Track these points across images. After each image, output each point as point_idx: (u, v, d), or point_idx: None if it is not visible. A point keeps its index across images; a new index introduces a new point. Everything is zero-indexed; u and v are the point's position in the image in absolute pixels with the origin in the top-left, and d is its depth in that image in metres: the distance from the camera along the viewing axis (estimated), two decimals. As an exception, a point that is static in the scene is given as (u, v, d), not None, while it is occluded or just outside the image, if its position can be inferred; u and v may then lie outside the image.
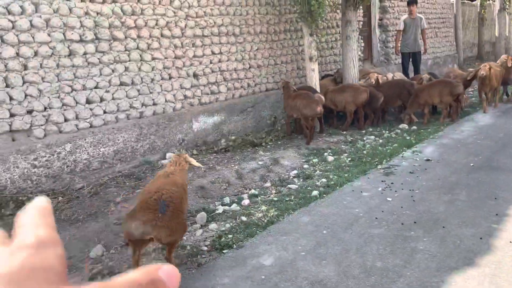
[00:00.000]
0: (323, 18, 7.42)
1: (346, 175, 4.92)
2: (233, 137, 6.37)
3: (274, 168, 5.43)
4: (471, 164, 4.80)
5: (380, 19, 11.40)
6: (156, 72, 6.02)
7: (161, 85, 6.09)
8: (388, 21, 11.34)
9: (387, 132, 6.88)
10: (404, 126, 7.06)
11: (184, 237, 3.52)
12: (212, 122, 6.72)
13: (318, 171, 5.22)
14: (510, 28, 16.27)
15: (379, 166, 5.06)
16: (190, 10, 6.43)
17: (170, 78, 6.21)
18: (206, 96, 6.72)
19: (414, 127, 6.96)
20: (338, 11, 9.16)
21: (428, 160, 5.11)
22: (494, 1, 20.19)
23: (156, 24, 6.02)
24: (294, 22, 8.25)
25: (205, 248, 3.49)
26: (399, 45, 9.89)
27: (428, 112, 7.25)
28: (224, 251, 3.39)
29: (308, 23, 6.62)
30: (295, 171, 5.28)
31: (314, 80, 7.04)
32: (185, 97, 6.42)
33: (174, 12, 6.24)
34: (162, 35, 6.09)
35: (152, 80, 5.98)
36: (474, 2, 18.44)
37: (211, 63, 6.79)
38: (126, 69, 5.71)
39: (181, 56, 6.32)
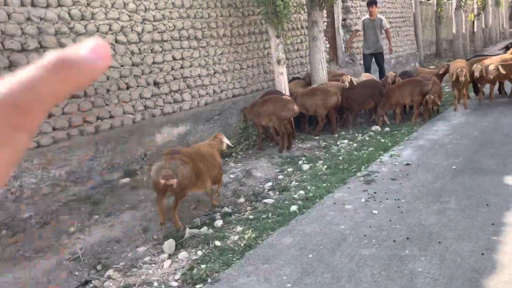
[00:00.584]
0: (288, 19, 7.10)
1: (324, 185, 4.58)
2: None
3: (247, 181, 5.03)
4: (453, 167, 4.59)
5: (344, 20, 11.27)
6: (112, 82, 5.47)
7: (118, 96, 5.54)
8: (351, 21, 11.23)
9: (360, 135, 6.65)
10: (377, 128, 6.86)
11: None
12: (176, 133, 6.23)
13: (294, 182, 4.86)
14: (466, 25, 16.70)
15: (358, 174, 4.76)
16: (147, 13, 5.93)
17: (128, 87, 5.68)
18: (169, 105, 6.23)
19: (387, 129, 6.77)
20: (303, 11, 8.91)
21: (408, 164, 4.87)
22: (449, 0, 20.79)
23: (110, 29, 5.48)
24: (259, 24, 7.90)
25: (175, 284, 3.02)
26: (350, 44, 10.00)
27: (400, 113, 7.08)
28: (197, 286, 2.95)
29: (274, 24, 6.27)
30: (270, 183, 4.90)
31: (283, 84, 6.70)
32: (146, 107, 5.90)
33: (129, 16, 5.71)
34: (117, 41, 5.56)
35: (108, 90, 5.43)
36: (430, 1, 18.86)
37: (172, 69, 6.31)
38: (77, 79, 5.13)
39: (139, 63, 5.80)
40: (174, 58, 6.32)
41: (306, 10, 7.53)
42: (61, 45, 4.97)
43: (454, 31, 15.88)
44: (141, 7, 5.85)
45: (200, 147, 4.39)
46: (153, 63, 6.01)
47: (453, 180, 4.21)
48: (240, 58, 7.52)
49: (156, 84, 6.06)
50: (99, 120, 5.32)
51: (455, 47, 15.98)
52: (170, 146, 6.10)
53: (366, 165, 5.04)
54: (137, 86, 5.80)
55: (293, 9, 7.50)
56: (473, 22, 18.53)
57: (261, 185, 4.91)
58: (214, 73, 7.01)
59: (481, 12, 18.97)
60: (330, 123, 6.84)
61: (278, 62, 6.52)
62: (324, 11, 10.14)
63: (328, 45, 10.43)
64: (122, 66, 5.60)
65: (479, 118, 6.75)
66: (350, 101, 6.81)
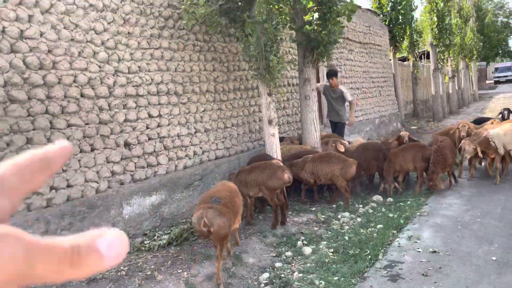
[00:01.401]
0: (282, 75, 6.48)
1: (336, 278, 3.64)
2: (176, 230, 4.87)
3: (237, 271, 4.02)
4: (493, 258, 3.78)
5: (328, 78, 10.87)
6: (73, 143, 4.49)
7: (79, 160, 4.55)
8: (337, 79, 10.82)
9: (361, 206, 5.83)
10: (379, 198, 6.08)
11: None
12: (149, 203, 5.21)
13: (296, 272, 3.90)
14: (443, 87, 16.87)
15: (377, 264, 3.86)
16: (120, 64, 5.11)
17: (93, 149, 4.72)
18: (141, 170, 5.26)
19: (390, 199, 6.00)
20: (289, 68, 8.38)
21: (434, 252, 4.03)
22: (421, 61, 21.32)
23: (74, 81, 4.60)
24: (245, 80, 7.24)
25: None
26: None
27: (402, 180, 6.37)
28: None
29: (266, 81, 5.58)
30: (266, 274, 3.90)
31: (274, 146, 5.90)
32: (113, 173, 4.91)
33: (100, 66, 4.88)
34: (82, 95, 4.67)
35: (67, 153, 4.43)
36: (405, 63, 19.20)
37: (147, 128, 5.42)
38: (29, 141, 4.15)
39: (108, 121, 4.89)
40: (150, 115, 5.46)
41: (298, 66, 6.94)
42: (12, 100, 4.02)
43: (433, 92, 15.94)
44: (114, 57, 5.05)
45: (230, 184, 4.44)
46: (125, 120, 5.11)
47: (500, 278, 3.37)
48: (224, 116, 6.74)
49: (127, 145, 5.13)
50: (52, 190, 4.27)
51: (435, 107, 15.97)
52: (141, 220, 5.06)
53: (382, 250, 4.15)
54: (104, 148, 4.84)
55: (287, 65, 6.93)
56: (448, 84, 18.88)
57: (255, 277, 3.91)
58: (195, 132, 6.17)
59: (455, 74, 19.43)
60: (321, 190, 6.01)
61: (270, 122, 5.76)
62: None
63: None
64: (87, 124, 4.67)
65: (490, 189, 6.10)
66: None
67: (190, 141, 6.05)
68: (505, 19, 54.09)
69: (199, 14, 5.52)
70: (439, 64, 15.51)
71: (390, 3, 14.32)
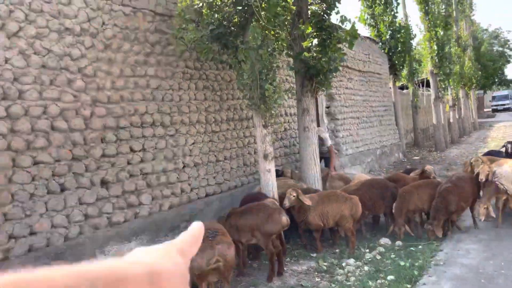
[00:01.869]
0: (279, 105, 6.00)
1: None
2: None
3: (225, 339, 3.36)
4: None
5: (327, 107, 10.44)
6: (38, 183, 3.92)
7: (46, 203, 3.97)
8: (336, 109, 10.40)
9: (367, 251, 5.22)
10: (386, 241, 5.47)
11: None
12: (128, 251, 4.58)
13: None
14: (444, 115, 16.48)
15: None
16: (99, 93, 4.61)
17: (63, 190, 4.14)
18: (120, 212, 4.67)
19: (399, 243, 5.38)
20: (286, 97, 7.92)
21: (459, 315, 3.41)
22: (420, 90, 21.06)
23: (44, 113, 4.07)
24: (239, 110, 6.75)
25: None
26: None
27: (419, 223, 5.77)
28: None
29: (261, 111, 5.08)
30: None
31: (270, 183, 5.34)
32: (86, 216, 4.31)
33: (75, 96, 4.36)
34: (53, 128, 4.13)
35: (32, 195, 3.87)
36: (405, 91, 18.89)
37: (129, 164, 4.86)
38: (-16, 181, 3.58)
39: (82, 157, 4.34)
40: (132, 150, 4.91)
41: (296, 95, 6.47)
42: (-36, 133, 3.48)
43: (434, 121, 15.52)
44: (93, 85, 4.54)
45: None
46: (103, 156, 4.56)
47: None
48: (216, 148, 6.21)
49: (104, 183, 4.55)
50: (12, 240, 3.67)
51: (437, 137, 15.51)
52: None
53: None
54: (77, 188, 4.26)
55: (285, 94, 6.46)
56: (449, 113, 18.53)
57: None
58: (184, 167, 5.61)
59: (456, 103, 19.11)
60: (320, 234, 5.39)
61: (265, 157, 5.21)
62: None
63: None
64: (57, 161, 4.11)
65: (509, 232, 5.50)
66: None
67: (178, 177, 5.49)
68: (500, 48, 54.83)
69: (188, 39, 5.06)
70: (440, 93, 15.16)
71: (389, 31, 14.08)
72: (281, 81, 7.84)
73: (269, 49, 4.90)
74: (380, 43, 14.40)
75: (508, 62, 59.58)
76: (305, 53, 5.94)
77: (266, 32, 5.06)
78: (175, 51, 5.53)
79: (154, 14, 5.36)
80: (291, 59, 6.77)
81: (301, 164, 6.37)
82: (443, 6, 15.86)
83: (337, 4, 5.97)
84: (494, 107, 48.17)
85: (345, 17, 5.71)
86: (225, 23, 5.14)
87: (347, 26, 5.77)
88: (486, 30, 52.80)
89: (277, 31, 5.41)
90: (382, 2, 13.88)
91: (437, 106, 15.21)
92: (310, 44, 5.93)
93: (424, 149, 16.87)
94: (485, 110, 47.24)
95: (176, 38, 5.34)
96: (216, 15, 5.14)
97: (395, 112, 14.51)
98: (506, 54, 57.16)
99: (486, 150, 13.97)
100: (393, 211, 5.51)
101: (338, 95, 10.56)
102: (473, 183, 5.74)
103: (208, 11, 5.13)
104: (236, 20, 5.12)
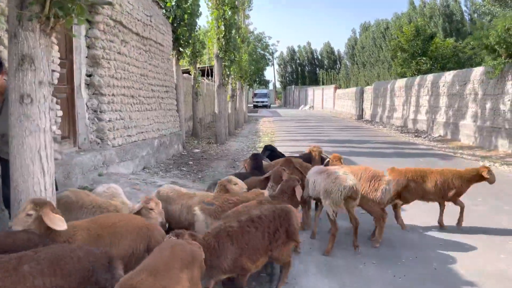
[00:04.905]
0: None
1: None
2: None
3: None
4: None
5: (89, 75, 7.10)
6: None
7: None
8: (102, 79, 7.18)
9: None
10: None
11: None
12: None
13: None
14: (226, 105, 15.26)
15: None
16: None
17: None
18: None
19: None
20: None
21: None
22: (205, 78, 19.64)
23: None
24: None
25: None
26: None
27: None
28: None
29: None
30: None
31: None
32: None
33: None
34: None
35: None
36: (185, 75, 16.92)
37: None
38: None
39: None
40: None
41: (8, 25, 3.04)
42: None
43: (216, 110, 14.00)
44: None
45: None
46: None
47: None
48: None
49: None
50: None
51: (218, 128, 14.07)
52: None
53: None
54: None
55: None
56: (229, 103, 17.63)
57: None
58: None
59: (235, 94, 18.44)
60: None
61: None
62: (54, 52, 5.79)
63: (60, 113, 5.91)
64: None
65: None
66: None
67: None
68: (262, 51, 61.22)
69: None
70: (224, 80, 13.72)
71: (175, -3, 11.62)
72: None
73: None
74: (164, 10, 11.78)
75: (267, 64, 67.50)
76: None
77: None
78: None
79: None
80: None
81: (12, 170, 3.01)
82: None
83: None
84: (255, 103, 53.47)
85: None
86: None
87: None
88: (252, 32, 57.58)
89: None
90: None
91: (221, 94, 13.74)
92: None
93: (203, 140, 15.27)
94: (248, 105, 51.72)
95: None
96: None
97: (177, 96, 12.21)
98: (266, 57, 64.37)
99: (262, 144, 13.37)
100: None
101: (106, 61, 7.32)
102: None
103: None
104: None
